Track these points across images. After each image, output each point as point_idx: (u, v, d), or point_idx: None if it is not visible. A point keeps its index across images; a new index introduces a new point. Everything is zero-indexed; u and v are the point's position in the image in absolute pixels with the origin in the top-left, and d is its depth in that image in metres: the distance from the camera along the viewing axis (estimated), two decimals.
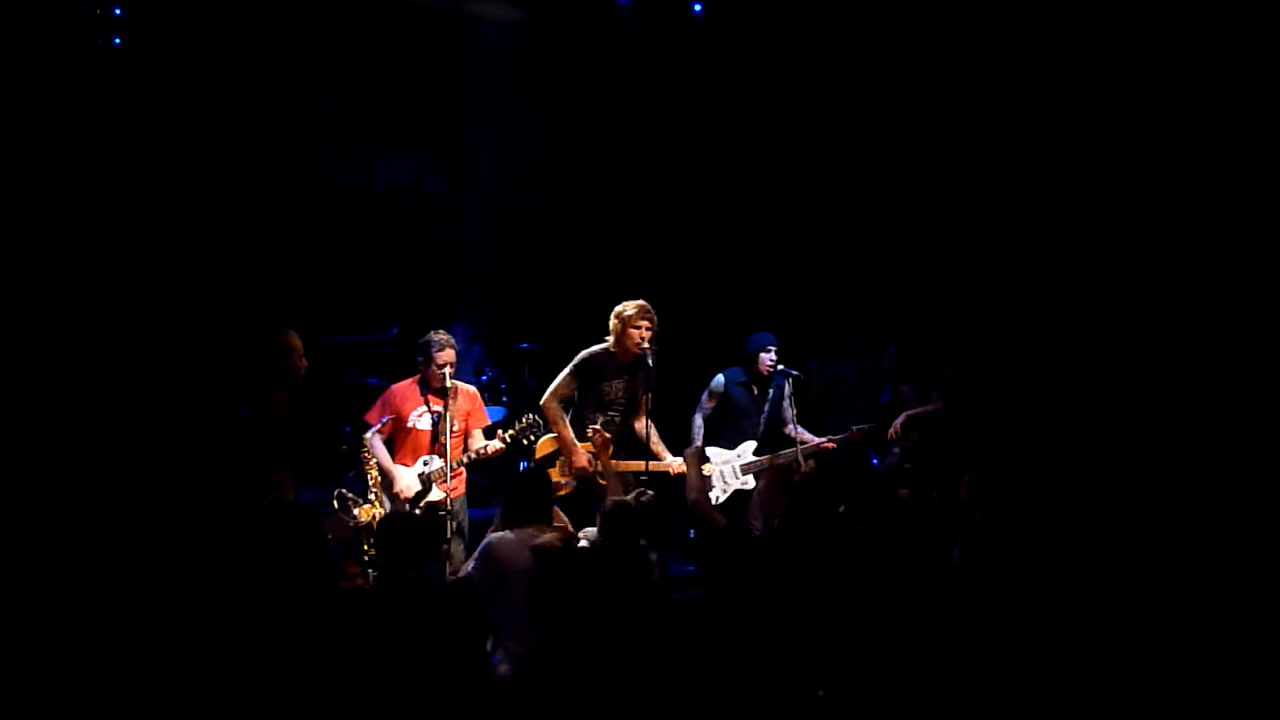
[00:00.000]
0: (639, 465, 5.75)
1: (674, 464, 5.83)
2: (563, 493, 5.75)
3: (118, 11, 6.39)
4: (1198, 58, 6.11)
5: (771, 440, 6.56)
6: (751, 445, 6.45)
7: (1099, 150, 6.64)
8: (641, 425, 5.85)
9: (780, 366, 6.50)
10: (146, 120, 7.05)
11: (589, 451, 5.75)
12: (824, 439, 6.46)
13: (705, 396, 6.59)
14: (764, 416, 6.54)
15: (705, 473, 6.15)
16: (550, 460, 5.85)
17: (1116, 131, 6.52)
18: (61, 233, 6.30)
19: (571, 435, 5.79)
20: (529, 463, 8.07)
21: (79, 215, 6.45)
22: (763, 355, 6.49)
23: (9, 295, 5.81)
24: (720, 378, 6.60)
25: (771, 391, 6.53)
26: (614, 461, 5.76)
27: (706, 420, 6.54)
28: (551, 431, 5.82)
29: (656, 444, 5.89)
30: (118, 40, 6.45)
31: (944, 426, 6.55)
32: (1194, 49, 6.13)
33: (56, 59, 6.22)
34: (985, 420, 6.30)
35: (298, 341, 5.04)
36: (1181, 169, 6.22)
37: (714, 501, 6.27)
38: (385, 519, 4.10)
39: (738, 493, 6.42)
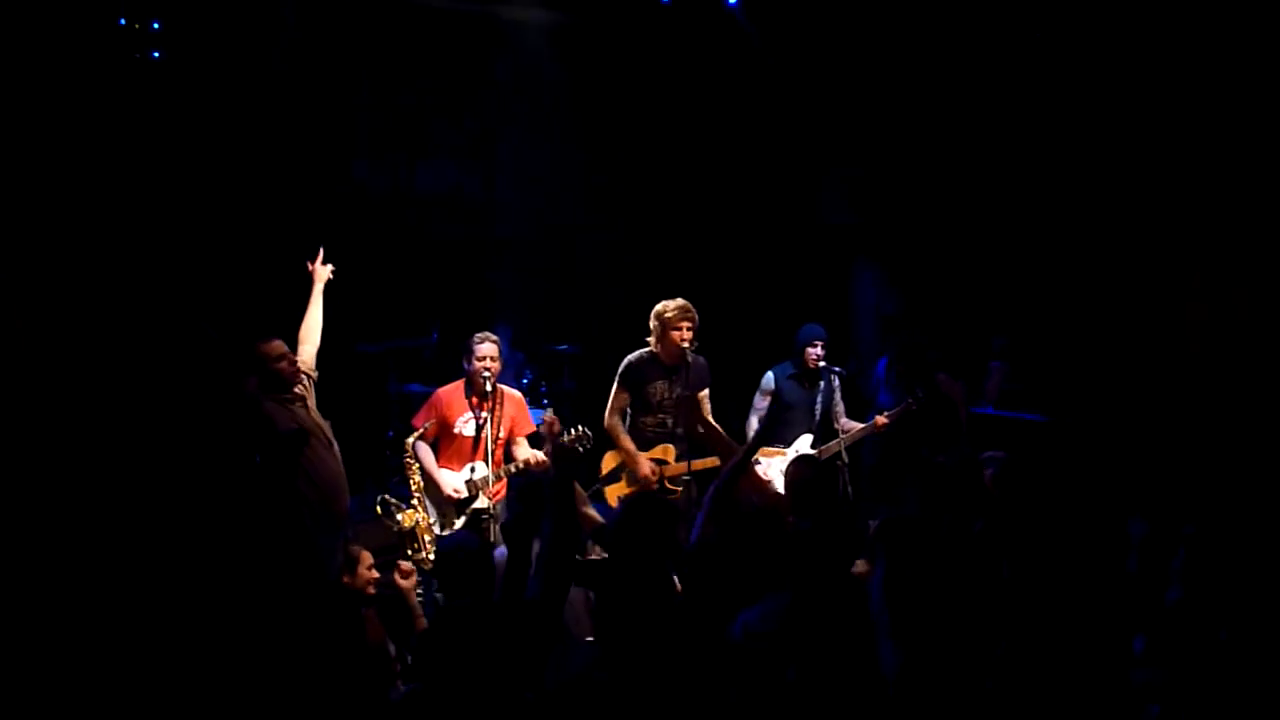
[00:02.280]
0: (681, 467, 5.70)
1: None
2: None
3: (156, 25, 6.44)
4: (1192, 54, 6.00)
5: (827, 435, 6.50)
6: (808, 439, 6.37)
7: (1123, 145, 6.54)
8: (705, 428, 5.81)
9: (823, 364, 6.44)
10: (186, 131, 7.11)
11: (653, 459, 5.71)
12: (871, 422, 6.37)
13: (758, 396, 6.55)
14: (818, 410, 6.47)
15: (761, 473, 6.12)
16: (614, 476, 5.82)
17: (1139, 126, 6.42)
18: (99, 243, 6.36)
19: (633, 447, 5.76)
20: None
21: (117, 225, 6.50)
22: (810, 350, 6.43)
23: (48, 302, 5.87)
24: (770, 375, 6.56)
25: (822, 384, 6.47)
26: (660, 466, 5.72)
27: (763, 420, 6.47)
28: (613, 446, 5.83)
29: (720, 439, 5.79)
30: (156, 54, 6.51)
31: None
32: (1188, 45, 6.01)
33: (96, 73, 6.28)
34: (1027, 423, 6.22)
35: (273, 349, 4.97)
36: (1199, 165, 6.11)
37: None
38: (443, 553, 4.01)
39: None
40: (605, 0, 8.31)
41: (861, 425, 6.43)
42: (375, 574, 4.52)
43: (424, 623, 4.50)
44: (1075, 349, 6.71)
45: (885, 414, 6.39)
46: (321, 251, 5.38)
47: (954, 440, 6.62)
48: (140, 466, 5.55)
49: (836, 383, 6.53)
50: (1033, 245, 7.33)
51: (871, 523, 4.40)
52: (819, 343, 6.45)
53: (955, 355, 7.14)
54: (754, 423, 6.48)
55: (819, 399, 6.49)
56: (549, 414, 5.01)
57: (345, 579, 4.45)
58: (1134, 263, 6.50)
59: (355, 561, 4.49)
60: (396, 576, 4.43)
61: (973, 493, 4.58)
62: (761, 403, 6.53)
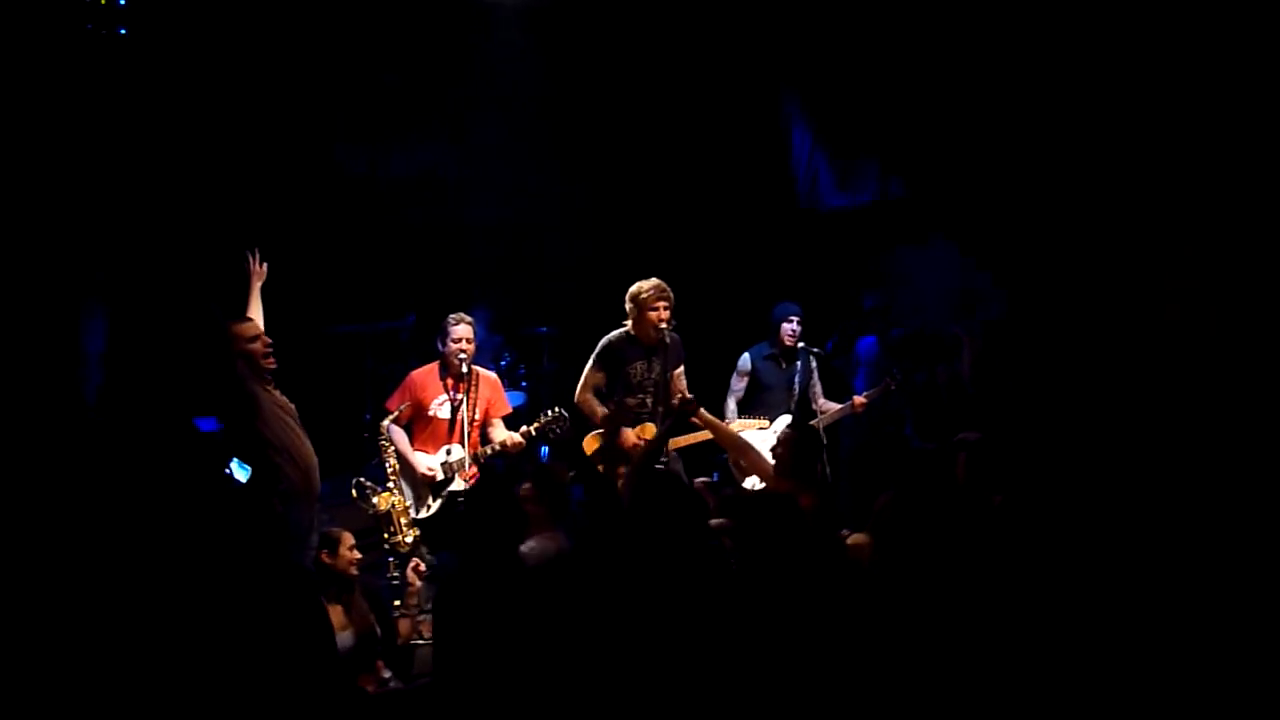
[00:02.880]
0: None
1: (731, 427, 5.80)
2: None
3: (122, 1, 6.32)
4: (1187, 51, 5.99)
5: (805, 415, 6.49)
6: (786, 419, 6.35)
7: (1103, 135, 6.53)
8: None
9: (801, 345, 6.44)
10: (156, 111, 7.00)
11: (637, 435, 5.70)
12: (851, 401, 6.37)
13: (734, 378, 6.54)
14: (795, 390, 6.46)
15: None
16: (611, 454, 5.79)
17: (1117, 117, 6.41)
18: (67, 222, 6.27)
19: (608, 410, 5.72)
20: (550, 450, 8.10)
21: (85, 206, 6.41)
22: (785, 326, 6.45)
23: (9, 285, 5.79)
24: (746, 356, 6.56)
25: (799, 364, 6.46)
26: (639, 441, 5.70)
27: (740, 402, 6.48)
28: (592, 427, 5.79)
29: (702, 415, 5.82)
30: (123, 30, 6.39)
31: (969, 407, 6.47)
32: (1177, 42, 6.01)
33: (60, 48, 6.16)
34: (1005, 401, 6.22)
35: (247, 329, 4.95)
36: (1183, 158, 6.11)
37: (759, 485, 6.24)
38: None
39: None
40: None
41: (840, 405, 6.43)
42: (357, 555, 4.53)
43: (407, 626, 4.51)
44: (1048, 343, 6.72)
45: (864, 394, 6.38)
46: (258, 251, 5.37)
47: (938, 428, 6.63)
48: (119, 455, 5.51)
49: (814, 363, 6.51)
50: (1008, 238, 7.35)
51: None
52: (794, 319, 6.46)
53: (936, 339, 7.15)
54: (731, 404, 6.48)
55: (796, 378, 6.46)
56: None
57: (326, 559, 4.44)
58: (1109, 261, 6.49)
59: (337, 542, 4.48)
60: (411, 573, 4.47)
61: (948, 476, 4.58)
62: (738, 384, 6.52)
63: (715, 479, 6.23)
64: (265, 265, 5.37)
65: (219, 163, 7.35)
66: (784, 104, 8.68)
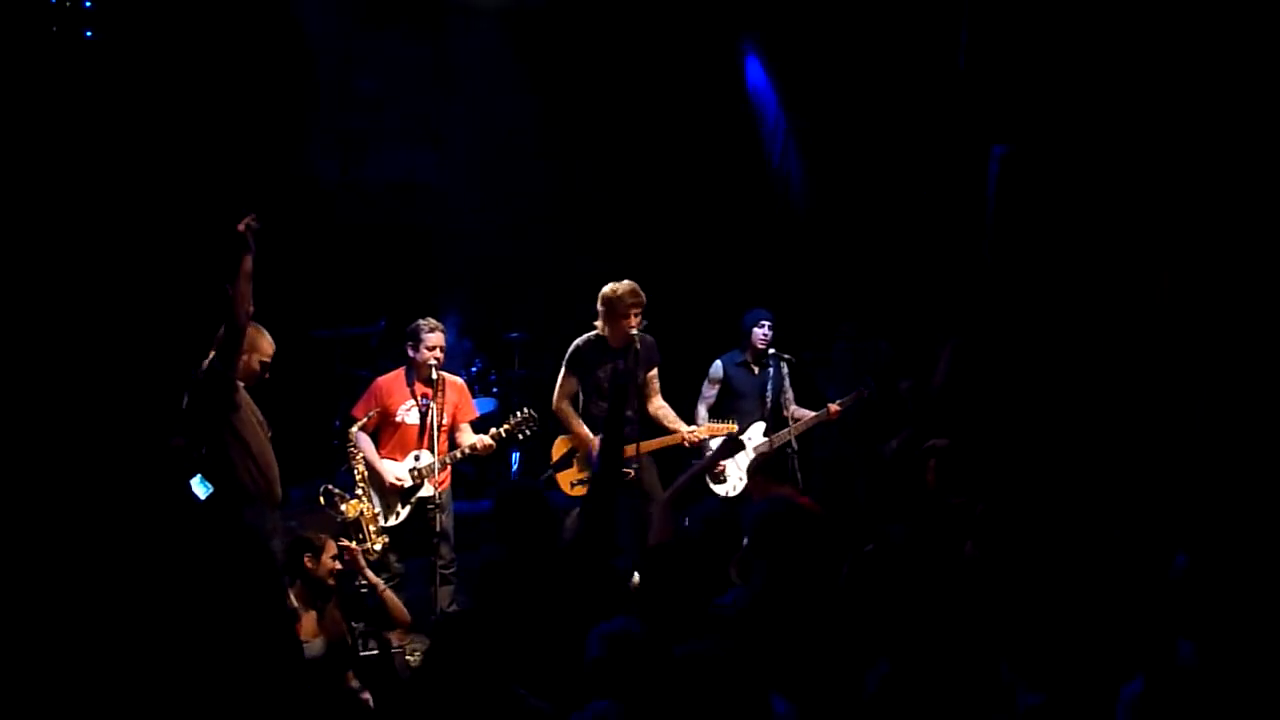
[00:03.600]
0: (630, 450, 5.67)
1: (686, 432, 5.78)
2: (582, 491, 5.71)
3: (87, 4, 6.25)
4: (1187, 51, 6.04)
5: (778, 422, 6.48)
6: (760, 427, 6.36)
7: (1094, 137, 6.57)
8: (654, 407, 5.78)
9: (772, 351, 6.44)
10: (128, 115, 6.94)
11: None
12: (824, 410, 6.38)
13: (706, 385, 6.52)
14: (769, 396, 6.43)
15: (718, 469, 6.12)
16: (566, 461, 5.78)
17: (1110, 116, 6.45)
18: (37, 227, 6.21)
19: (585, 430, 5.72)
20: (521, 455, 8.09)
21: (55, 210, 6.34)
22: (756, 331, 6.43)
23: None
24: (718, 363, 6.54)
25: (771, 370, 6.44)
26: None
27: (711, 409, 6.45)
28: (563, 430, 5.80)
29: (674, 422, 5.84)
30: (89, 33, 6.33)
31: (935, 414, 6.49)
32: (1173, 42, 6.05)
33: (24, 51, 6.09)
34: (974, 408, 6.23)
35: (269, 346, 4.88)
36: (1178, 157, 6.15)
37: (734, 492, 6.23)
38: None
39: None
40: None
41: (813, 414, 6.43)
42: (338, 564, 4.49)
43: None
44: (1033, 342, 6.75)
45: (837, 402, 6.39)
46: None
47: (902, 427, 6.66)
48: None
49: (785, 369, 6.52)
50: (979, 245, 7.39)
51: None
52: (765, 324, 6.44)
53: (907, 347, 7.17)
54: (702, 411, 6.45)
55: (769, 385, 6.47)
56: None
57: (308, 564, 4.41)
58: (1101, 256, 6.54)
59: (320, 549, 4.44)
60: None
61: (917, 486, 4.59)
62: (710, 391, 6.50)
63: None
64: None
65: (190, 166, 7.30)
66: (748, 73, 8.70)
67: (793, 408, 6.54)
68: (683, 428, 5.86)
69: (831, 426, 6.66)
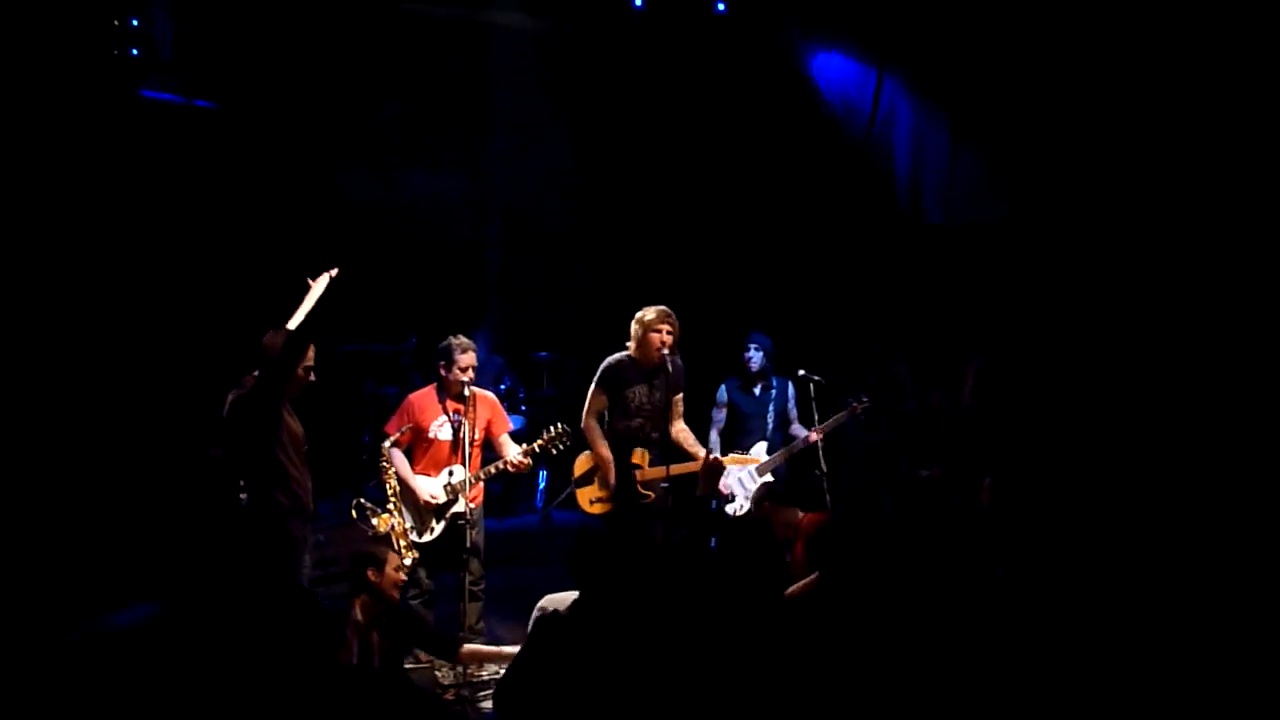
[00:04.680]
0: (660, 471, 5.68)
1: (709, 457, 5.77)
2: (605, 509, 5.71)
3: (134, 22, 6.40)
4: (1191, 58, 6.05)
5: (783, 440, 6.61)
6: (763, 445, 6.45)
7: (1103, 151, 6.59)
8: (675, 430, 5.81)
9: (801, 372, 6.50)
10: (168, 133, 7.07)
11: (630, 463, 5.71)
12: (815, 429, 6.41)
13: (714, 410, 6.72)
14: (771, 415, 6.61)
15: (722, 487, 6.14)
16: (587, 478, 5.79)
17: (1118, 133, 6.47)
18: (87, 247, 6.32)
19: (608, 453, 5.70)
20: (549, 474, 8.12)
21: (102, 230, 6.46)
22: (745, 355, 6.66)
23: (31, 302, 5.82)
24: (722, 387, 6.76)
25: (774, 391, 6.63)
26: (635, 471, 5.71)
27: (722, 432, 6.63)
28: (585, 447, 5.78)
29: (694, 445, 5.84)
30: (135, 50, 6.47)
31: (966, 433, 6.48)
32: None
33: (79, 72, 6.23)
34: (1006, 425, 6.22)
35: (309, 354, 4.90)
36: (1181, 166, 6.15)
37: (740, 511, 6.27)
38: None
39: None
40: (590, 6, 8.32)
41: (806, 433, 6.49)
42: (402, 576, 4.51)
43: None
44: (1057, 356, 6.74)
45: (818, 426, 6.41)
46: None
47: (935, 455, 6.67)
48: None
49: (790, 389, 6.67)
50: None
51: None
52: (751, 346, 6.65)
53: (930, 364, 7.17)
54: (714, 435, 6.62)
55: (771, 405, 6.61)
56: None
57: (372, 577, 4.42)
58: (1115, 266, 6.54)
59: (383, 561, 4.45)
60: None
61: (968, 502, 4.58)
62: (718, 415, 6.70)
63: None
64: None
65: (229, 184, 7.41)
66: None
67: (794, 427, 6.69)
68: (702, 452, 5.88)
69: (857, 448, 6.73)
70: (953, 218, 7.91)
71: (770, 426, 6.60)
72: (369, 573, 4.41)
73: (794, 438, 6.55)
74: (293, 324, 4.85)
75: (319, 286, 4.95)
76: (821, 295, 8.33)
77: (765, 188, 8.67)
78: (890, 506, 6.87)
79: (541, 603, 4.41)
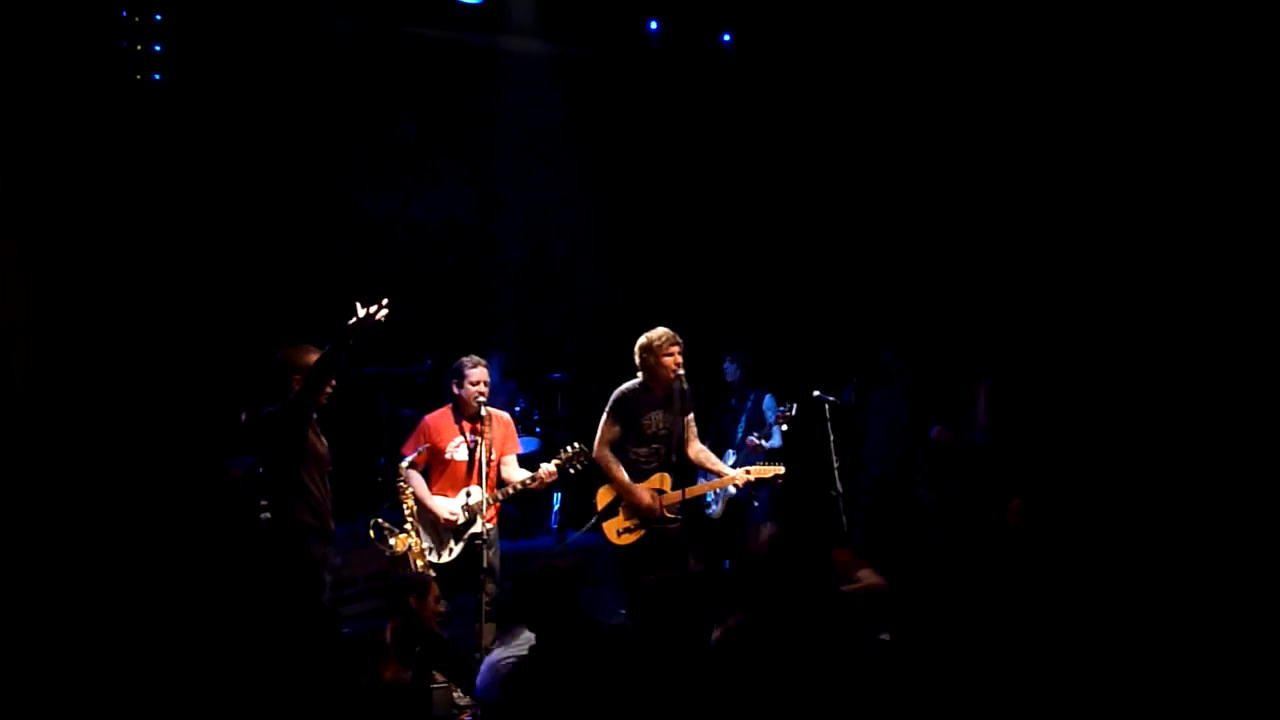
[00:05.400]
0: (676, 496, 5.68)
1: (735, 475, 5.81)
2: (632, 539, 5.70)
3: (157, 48, 6.51)
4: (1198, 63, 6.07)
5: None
6: (730, 455, 6.86)
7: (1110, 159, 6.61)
8: (695, 451, 5.81)
9: (816, 393, 6.51)
10: (187, 154, 7.15)
11: (651, 489, 5.70)
12: (755, 435, 6.82)
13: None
14: (741, 425, 7.02)
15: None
16: (611, 510, 5.77)
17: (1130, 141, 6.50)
18: (101, 265, 6.38)
19: (627, 478, 5.68)
20: (563, 496, 8.12)
21: (117, 247, 6.52)
22: (723, 365, 7.18)
23: (54, 317, 5.88)
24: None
25: (749, 403, 7.06)
26: (663, 495, 5.70)
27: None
28: (606, 479, 5.76)
29: (716, 464, 5.89)
30: (158, 76, 6.57)
31: (985, 454, 6.44)
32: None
33: (98, 94, 6.32)
34: (1027, 445, 6.19)
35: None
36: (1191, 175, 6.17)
37: (713, 516, 6.79)
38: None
39: (732, 502, 6.90)
40: (603, 32, 8.40)
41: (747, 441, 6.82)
42: (442, 608, 4.52)
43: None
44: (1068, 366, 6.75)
45: (756, 435, 6.81)
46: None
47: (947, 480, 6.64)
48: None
49: (768, 400, 7.07)
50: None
51: None
52: (729, 359, 7.18)
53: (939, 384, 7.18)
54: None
55: (743, 417, 7.05)
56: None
57: (413, 604, 4.42)
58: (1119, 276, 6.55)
59: (426, 589, 4.46)
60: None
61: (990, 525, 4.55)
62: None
63: None
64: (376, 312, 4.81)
65: (245, 204, 7.48)
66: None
67: (751, 438, 6.89)
68: (726, 470, 5.88)
69: (876, 473, 6.82)
70: None
71: (739, 436, 7.04)
72: (410, 598, 4.41)
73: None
74: (326, 350, 4.83)
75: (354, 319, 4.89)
76: (831, 312, 8.38)
77: (775, 208, 8.72)
78: (909, 530, 6.84)
79: (490, 659, 4.18)
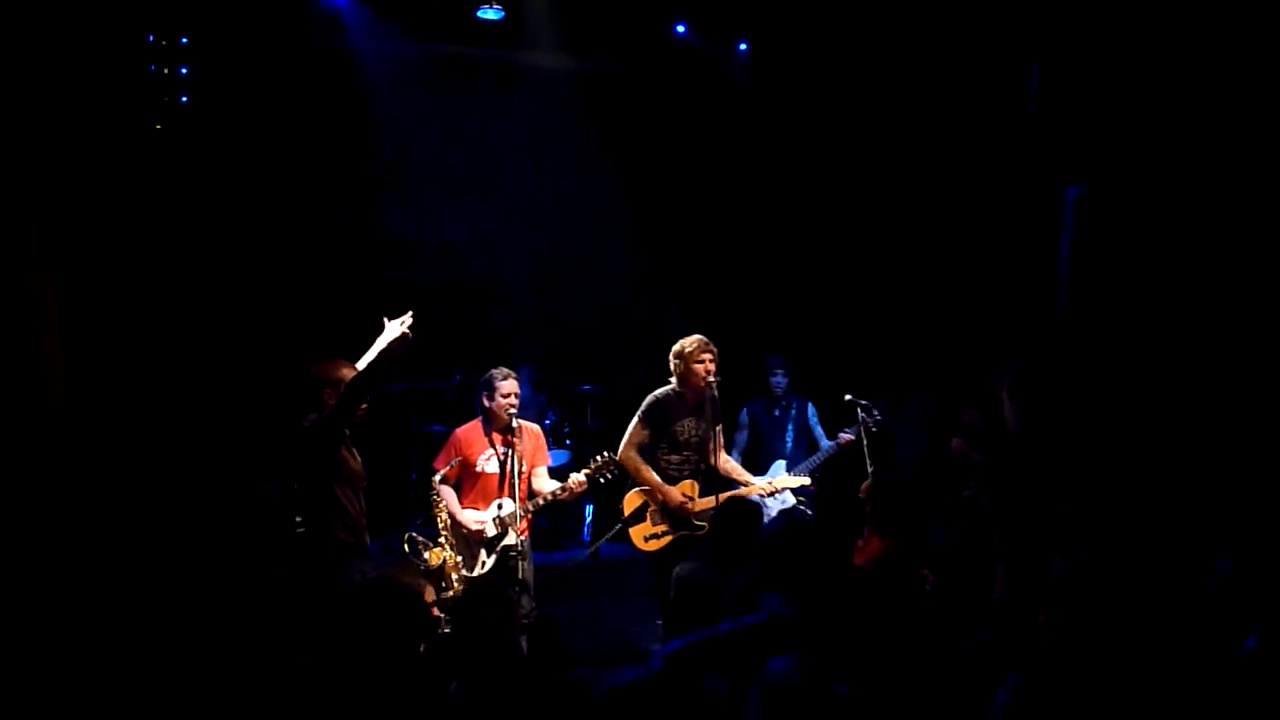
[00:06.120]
0: (710, 502, 5.65)
1: (760, 485, 5.78)
2: (659, 545, 5.68)
3: (184, 71, 6.59)
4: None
5: (804, 458, 6.78)
6: (781, 464, 6.68)
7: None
8: (722, 461, 5.80)
9: (848, 397, 6.44)
10: (214, 174, 7.22)
11: (682, 494, 5.68)
12: (845, 431, 6.55)
13: (737, 432, 6.97)
14: (789, 435, 6.87)
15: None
16: (639, 515, 5.75)
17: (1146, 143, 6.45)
18: (132, 285, 6.45)
19: (657, 478, 5.68)
20: (595, 508, 8.10)
21: (149, 269, 6.59)
22: (770, 379, 6.95)
23: (90, 341, 5.95)
24: (744, 410, 7.03)
25: (794, 411, 6.90)
26: (692, 501, 5.68)
27: (744, 453, 6.88)
28: (634, 483, 5.74)
29: (739, 472, 5.87)
30: (185, 99, 6.65)
31: (1012, 459, 6.36)
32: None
33: (128, 121, 6.41)
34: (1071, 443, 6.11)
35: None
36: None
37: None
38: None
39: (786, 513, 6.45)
40: (622, 45, 8.42)
41: (826, 447, 6.68)
42: (437, 611, 4.42)
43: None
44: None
45: (847, 430, 6.56)
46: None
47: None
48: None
49: (810, 408, 6.94)
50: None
51: None
52: (778, 372, 6.94)
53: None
54: (735, 455, 6.70)
55: (790, 426, 6.84)
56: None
57: None
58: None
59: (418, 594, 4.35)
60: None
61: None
62: (740, 437, 6.95)
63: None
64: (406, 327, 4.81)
65: (273, 223, 7.54)
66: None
67: (824, 441, 6.86)
68: (753, 480, 5.86)
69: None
70: None
71: (789, 446, 6.87)
72: None
73: (828, 448, 6.69)
74: (362, 363, 4.85)
75: (391, 330, 4.86)
76: (859, 319, 8.35)
77: (798, 214, 8.71)
78: (940, 536, 6.77)
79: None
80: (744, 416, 7.05)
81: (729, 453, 6.45)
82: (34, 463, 5.21)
